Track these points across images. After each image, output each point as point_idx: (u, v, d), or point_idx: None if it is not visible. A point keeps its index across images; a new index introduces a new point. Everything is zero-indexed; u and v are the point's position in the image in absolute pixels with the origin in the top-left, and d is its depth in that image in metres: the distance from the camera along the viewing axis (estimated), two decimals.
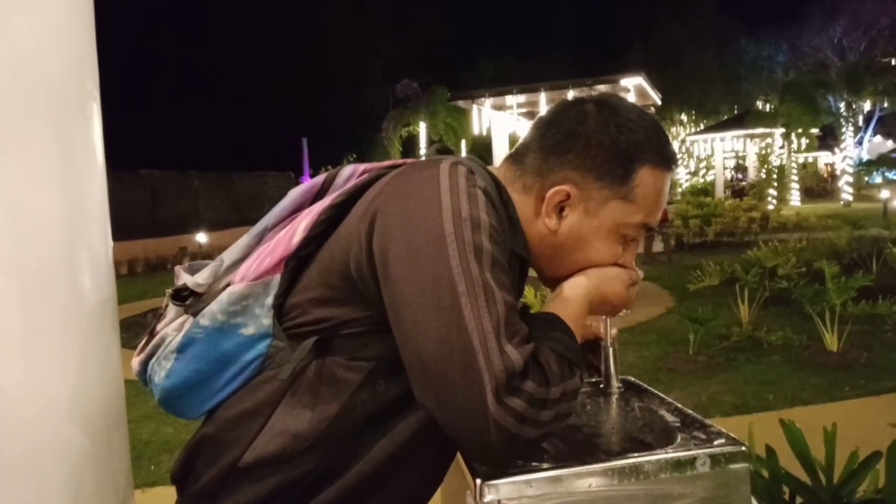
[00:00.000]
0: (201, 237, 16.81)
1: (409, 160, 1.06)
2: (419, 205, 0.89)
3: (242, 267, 1.03)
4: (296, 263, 0.98)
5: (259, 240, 1.08)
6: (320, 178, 1.12)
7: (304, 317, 0.97)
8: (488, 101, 14.45)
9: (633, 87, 15.49)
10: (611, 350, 1.22)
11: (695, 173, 33.90)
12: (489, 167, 1.03)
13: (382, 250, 0.88)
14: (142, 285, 11.86)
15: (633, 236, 1.02)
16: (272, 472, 0.94)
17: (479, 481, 0.92)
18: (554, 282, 1.05)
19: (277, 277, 0.97)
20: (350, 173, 1.09)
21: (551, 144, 1.00)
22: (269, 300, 0.97)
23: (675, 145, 33.58)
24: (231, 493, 0.95)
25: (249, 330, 0.97)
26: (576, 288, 1.01)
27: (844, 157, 26.26)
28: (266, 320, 0.97)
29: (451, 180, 0.89)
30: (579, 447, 1.04)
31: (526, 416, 0.81)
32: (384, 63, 28.67)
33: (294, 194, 1.10)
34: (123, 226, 15.32)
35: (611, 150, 0.97)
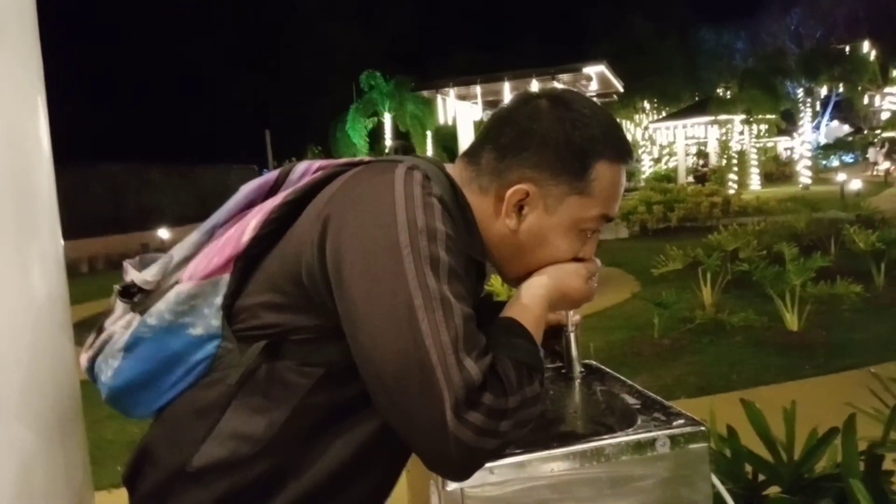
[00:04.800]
0: (163, 233, 16.52)
1: (365, 158, 1.03)
2: (374, 214, 0.87)
3: (191, 265, 1.00)
4: (245, 263, 0.95)
5: (209, 236, 1.04)
6: (273, 173, 1.08)
7: (254, 321, 0.94)
8: (453, 92, 14.45)
9: (596, 75, 15.58)
10: (572, 336, 1.22)
11: (658, 160, 34.32)
12: (447, 166, 1.02)
13: (335, 260, 0.86)
14: (102, 283, 11.61)
15: (593, 229, 1.01)
16: (221, 476, 0.91)
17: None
18: (516, 281, 1.04)
19: (226, 277, 0.95)
20: (304, 170, 1.06)
21: (506, 143, 0.98)
22: (218, 300, 0.94)
23: (638, 132, 33.99)
24: (179, 498, 0.93)
25: (198, 330, 0.95)
26: (534, 288, 1.00)
27: (803, 141, 26.81)
28: (215, 321, 0.94)
29: (406, 188, 0.88)
30: (542, 432, 1.04)
31: (485, 429, 0.79)
32: (350, 55, 28.37)
33: (246, 190, 1.06)
34: (83, 222, 15.05)
35: (566, 146, 0.96)
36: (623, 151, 1.00)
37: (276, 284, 0.93)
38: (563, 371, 1.24)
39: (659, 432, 0.97)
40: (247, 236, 0.95)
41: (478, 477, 0.92)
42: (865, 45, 26.57)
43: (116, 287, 1.04)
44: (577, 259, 1.02)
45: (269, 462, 0.91)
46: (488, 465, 0.93)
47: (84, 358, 1.05)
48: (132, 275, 1.02)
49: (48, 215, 1.24)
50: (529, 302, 0.98)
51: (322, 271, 0.88)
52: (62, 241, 1.30)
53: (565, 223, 0.98)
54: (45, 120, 1.25)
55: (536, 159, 0.96)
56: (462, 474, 0.86)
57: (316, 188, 0.97)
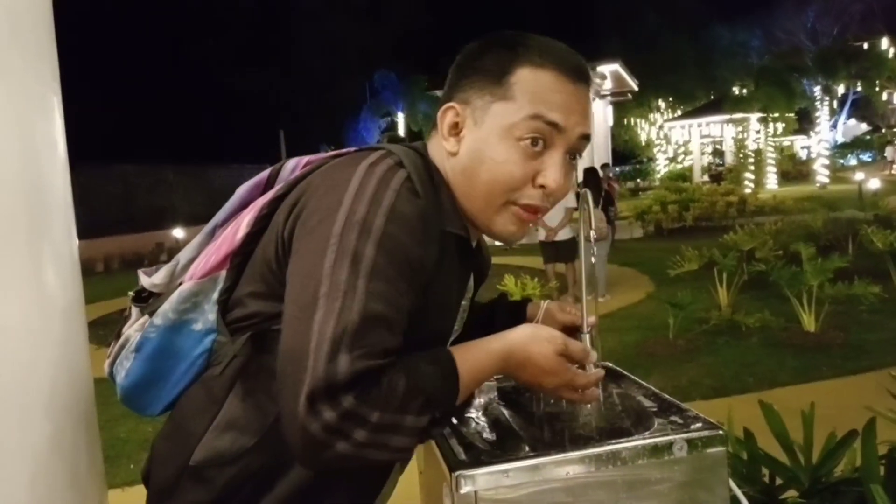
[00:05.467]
0: (178, 232, 16.63)
1: (351, 150, 1.04)
2: (325, 205, 0.89)
3: (193, 265, 1.05)
4: (241, 259, 0.99)
5: (211, 237, 1.09)
6: (266, 172, 1.11)
7: (243, 311, 0.98)
8: None
9: (610, 74, 15.55)
10: (588, 337, 1.20)
11: (673, 159, 34.12)
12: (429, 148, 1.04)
13: (289, 245, 0.92)
14: (118, 282, 11.71)
15: (533, 136, 0.95)
16: (220, 471, 0.95)
17: (455, 473, 0.91)
18: (489, 228, 1.02)
19: (223, 273, 0.99)
20: (294, 166, 1.09)
21: (449, 83, 1.02)
22: (216, 296, 0.99)
23: (653, 131, 33.73)
24: (184, 494, 0.96)
25: (199, 326, 0.99)
26: (500, 337, 0.97)
27: (820, 140, 26.55)
28: (212, 316, 0.99)
29: (362, 182, 0.89)
30: (556, 434, 1.03)
31: (336, 428, 0.79)
32: (361, 53, 28.43)
33: (241, 190, 1.10)
34: (98, 222, 15.17)
35: (487, 61, 0.98)
36: (550, 56, 0.97)
37: (259, 273, 0.97)
38: None
39: (676, 436, 0.96)
40: (241, 233, 0.99)
41: (491, 480, 0.91)
42: (884, 42, 26.26)
43: (131, 293, 1.10)
44: (539, 185, 0.97)
45: (265, 455, 0.94)
46: (503, 466, 0.92)
47: (107, 364, 1.09)
48: (143, 280, 1.09)
49: (63, 216, 1.25)
50: (485, 346, 0.95)
51: (284, 257, 0.92)
52: (77, 241, 1.30)
53: (495, 132, 0.96)
54: (61, 122, 1.25)
55: (465, 82, 0.99)
56: (310, 463, 0.87)
57: (301, 182, 1.00)
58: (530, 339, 0.96)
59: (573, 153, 1.00)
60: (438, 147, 1.02)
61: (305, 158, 1.09)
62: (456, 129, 1.00)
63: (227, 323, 0.98)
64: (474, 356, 0.93)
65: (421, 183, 0.93)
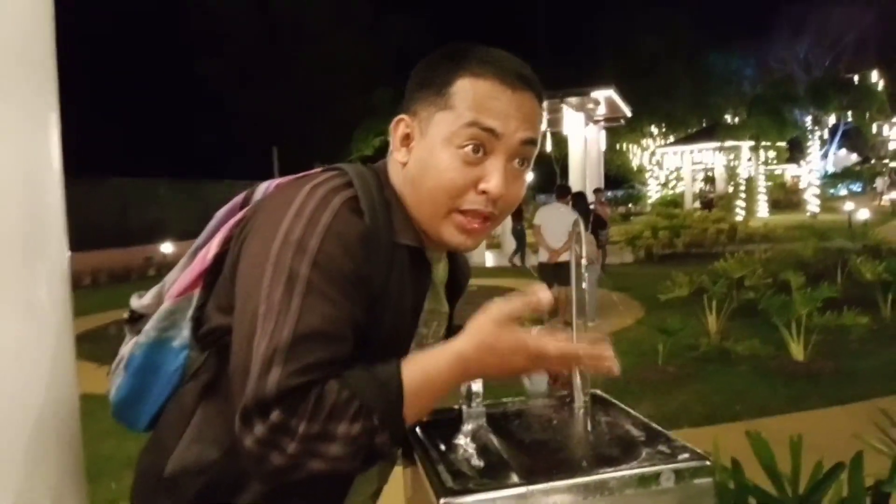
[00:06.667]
0: (167, 247, 16.59)
1: (317, 170, 1.07)
2: (266, 227, 0.94)
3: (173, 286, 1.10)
4: (213, 278, 1.04)
5: (193, 258, 1.12)
6: (241, 195, 1.14)
7: (209, 325, 1.03)
8: None
9: (604, 100, 15.71)
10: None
11: (664, 185, 34.35)
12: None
13: (238, 265, 0.97)
14: (105, 296, 11.64)
15: (471, 143, 0.96)
16: (192, 481, 0.99)
17: (442, 500, 0.91)
18: (439, 237, 1.02)
19: (197, 292, 1.05)
20: (265, 188, 1.12)
21: (404, 98, 1.05)
22: (191, 313, 1.04)
23: (646, 157, 33.91)
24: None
25: (177, 343, 1.05)
26: (448, 345, 0.94)
27: (810, 169, 26.82)
28: (187, 332, 1.04)
29: (302, 204, 0.93)
30: (544, 462, 1.03)
31: (266, 440, 0.83)
32: (359, 71, 28.53)
33: (219, 214, 1.14)
34: (90, 235, 15.08)
35: (431, 74, 1.01)
36: (492, 65, 0.98)
37: (223, 290, 1.02)
38: (567, 400, 1.23)
39: (664, 466, 0.96)
40: (211, 253, 1.05)
41: None
42: (874, 75, 26.64)
43: (125, 315, 1.16)
44: (480, 191, 0.98)
45: (230, 465, 0.96)
46: (491, 494, 0.91)
47: (109, 380, 1.14)
48: (133, 303, 1.15)
49: (57, 234, 1.25)
50: (433, 354, 0.93)
51: (233, 272, 0.98)
52: (68, 259, 1.30)
53: (438, 141, 0.99)
54: (58, 138, 1.26)
55: (416, 95, 1.03)
56: (257, 476, 0.92)
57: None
58: (475, 332, 0.92)
59: (519, 159, 1.02)
60: (394, 161, 1.05)
61: (276, 181, 1.12)
62: (407, 140, 1.03)
63: (198, 338, 1.04)
64: (422, 363, 0.92)
65: (368, 200, 0.97)
